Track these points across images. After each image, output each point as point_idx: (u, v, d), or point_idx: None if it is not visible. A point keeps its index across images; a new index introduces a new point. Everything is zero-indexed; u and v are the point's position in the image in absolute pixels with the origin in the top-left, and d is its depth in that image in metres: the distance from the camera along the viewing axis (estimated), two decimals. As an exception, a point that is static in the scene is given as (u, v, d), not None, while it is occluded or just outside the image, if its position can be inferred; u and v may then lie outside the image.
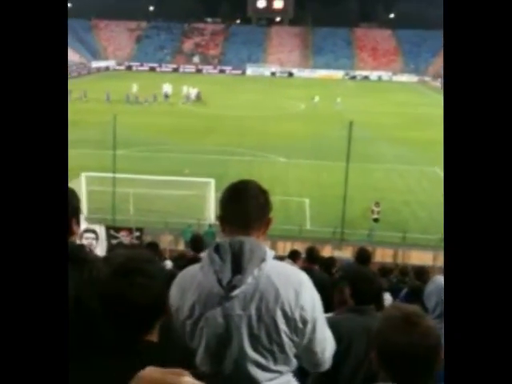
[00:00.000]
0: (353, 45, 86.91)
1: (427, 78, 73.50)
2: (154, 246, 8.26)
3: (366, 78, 75.38)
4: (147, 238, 14.20)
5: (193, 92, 45.98)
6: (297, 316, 1.92)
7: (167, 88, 46.18)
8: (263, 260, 1.94)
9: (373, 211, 16.95)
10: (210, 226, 16.09)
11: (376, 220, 16.91)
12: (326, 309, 2.98)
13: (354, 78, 75.05)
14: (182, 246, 15.44)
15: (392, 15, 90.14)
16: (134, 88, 46.36)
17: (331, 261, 7.59)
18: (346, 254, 14.41)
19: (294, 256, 6.94)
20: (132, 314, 1.43)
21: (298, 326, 1.94)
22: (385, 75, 75.89)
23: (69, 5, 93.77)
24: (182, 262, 7.28)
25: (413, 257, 14.41)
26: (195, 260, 6.13)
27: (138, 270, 1.47)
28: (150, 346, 1.47)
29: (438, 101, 53.89)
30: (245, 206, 2.11)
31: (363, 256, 6.41)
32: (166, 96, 44.93)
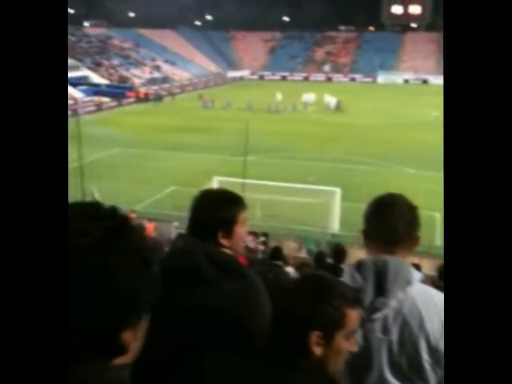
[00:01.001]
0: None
1: None
2: (278, 251, 8.33)
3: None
4: (272, 244, 14.46)
5: (332, 101, 45.49)
6: (441, 347, 1.75)
7: (307, 97, 46.59)
8: (409, 283, 1.83)
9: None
10: (333, 235, 15.93)
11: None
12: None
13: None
14: (303, 254, 15.48)
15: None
16: (278, 96, 47.50)
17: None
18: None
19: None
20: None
21: (441, 359, 1.77)
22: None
23: (209, 17, 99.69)
24: (306, 269, 7.31)
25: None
26: (334, 269, 6.08)
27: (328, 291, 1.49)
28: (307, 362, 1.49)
29: None
30: (392, 221, 1.94)
31: None
32: (306, 105, 45.25)
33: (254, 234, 14.99)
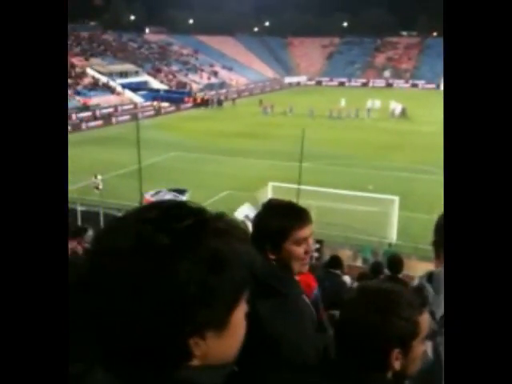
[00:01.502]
0: None
1: None
2: (337, 260, 8.04)
3: None
4: (326, 251, 14.23)
5: (397, 108, 44.63)
6: None
7: (371, 104, 46.03)
8: None
9: None
10: (390, 245, 15.50)
11: None
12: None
13: None
14: (359, 263, 15.15)
15: None
16: (342, 102, 47.16)
17: None
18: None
19: None
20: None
21: None
22: None
23: (267, 23, 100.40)
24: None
25: None
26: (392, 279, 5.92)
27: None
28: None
29: None
30: None
31: None
32: (369, 111, 44.55)
33: (308, 241, 14.80)
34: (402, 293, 1.49)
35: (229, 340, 0.88)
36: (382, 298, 1.45)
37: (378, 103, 46.92)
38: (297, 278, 1.93)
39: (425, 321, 1.47)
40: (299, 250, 1.86)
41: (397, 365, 1.42)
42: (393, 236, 16.28)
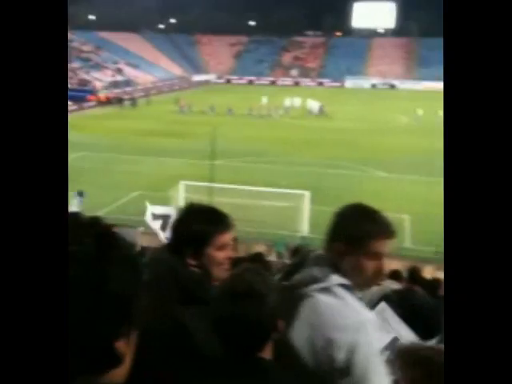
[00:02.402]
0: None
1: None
2: (260, 257, 7.94)
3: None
4: (241, 248, 14.28)
5: (315, 106, 45.61)
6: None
7: (289, 102, 46.84)
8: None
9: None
10: (303, 238, 15.88)
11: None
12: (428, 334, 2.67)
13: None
14: (273, 257, 15.37)
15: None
16: (264, 100, 47.21)
17: (436, 283, 6.92)
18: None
19: (395, 276, 6.51)
20: (244, 332, 1.42)
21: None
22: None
23: (173, 20, 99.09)
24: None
25: None
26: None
27: (251, 289, 1.46)
28: (264, 363, 1.46)
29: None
30: None
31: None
32: (287, 109, 45.29)
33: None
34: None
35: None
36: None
37: (297, 101, 48.01)
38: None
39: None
40: (220, 256, 1.83)
41: None
42: (305, 229, 16.68)
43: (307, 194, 17.13)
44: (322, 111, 44.50)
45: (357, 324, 1.68)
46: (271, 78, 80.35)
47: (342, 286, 1.77)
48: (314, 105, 45.79)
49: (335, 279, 1.77)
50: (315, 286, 1.75)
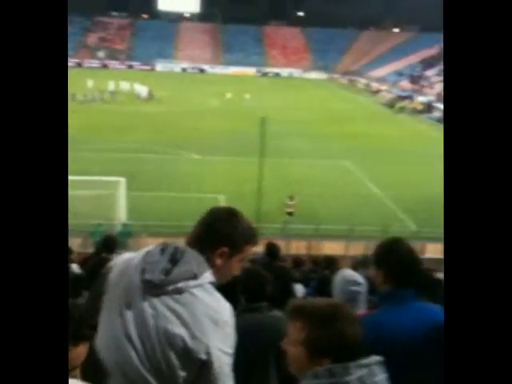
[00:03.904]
0: (263, 42, 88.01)
1: (336, 76, 76.16)
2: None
3: (277, 74, 76.69)
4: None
5: (143, 90, 45.04)
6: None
7: (113, 85, 45.32)
8: None
9: (287, 205, 17.17)
10: (125, 225, 15.50)
11: (290, 213, 17.15)
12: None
13: (265, 74, 76.09)
14: (91, 249, 14.72)
15: (301, 13, 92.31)
16: (90, 84, 44.71)
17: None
18: (262, 248, 14.42)
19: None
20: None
21: None
22: (295, 72, 77.66)
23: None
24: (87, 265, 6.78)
25: (326, 247, 14.73)
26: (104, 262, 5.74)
27: None
28: None
29: (347, 97, 56.13)
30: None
31: (271, 251, 6.42)
32: (112, 93, 43.80)
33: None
34: None
35: None
36: None
37: (125, 85, 47.09)
38: None
39: None
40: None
41: None
42: (122, 217, 16.28)
43: (122, 180, 16.70)
44: (150, 95, 44.15)
45: (228, 320, 1.77)
46: (76, 60, 75.64)
47: (211, 283, 1.81)
48: (142, 90, 45.51)
49: (208, 276, 1.80)
50: (192, 283, 1.74)
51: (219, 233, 1.87)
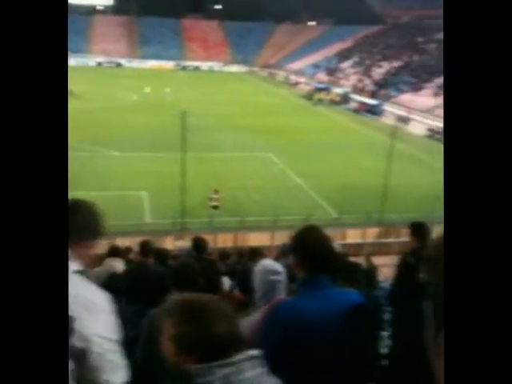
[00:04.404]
0: (181, 35, 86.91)
1: (255, 69, 76.80)
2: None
3: (197, 68, 76.08)
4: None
5: None
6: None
7: None
8: None
9: (212, 199, 17.15)
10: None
11: (216, 207, 17.16)
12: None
13: (184, 68, 75.23)
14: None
15: (219, 6, 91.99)
16: None
17: (165, 252, 7.50)
18: (189, 243, 14.33)
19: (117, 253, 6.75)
20: None
21: None
22: (215, 66, 77.43)
23: None
24: None
25: (252, 239, 14.90)
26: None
27: None
28: None
29: (267, 90, 56.78)
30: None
31: (198, 245, 6.43)
32: None
33: None
34: None
35: None
36: None
37: None
38: None
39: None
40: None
41: None
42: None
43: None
44: (71, 92, 41.91)
45: (102, 305, 1.77)
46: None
47: (77, 272, 1.80)
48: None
49: (73, 266, 1.78)
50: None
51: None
